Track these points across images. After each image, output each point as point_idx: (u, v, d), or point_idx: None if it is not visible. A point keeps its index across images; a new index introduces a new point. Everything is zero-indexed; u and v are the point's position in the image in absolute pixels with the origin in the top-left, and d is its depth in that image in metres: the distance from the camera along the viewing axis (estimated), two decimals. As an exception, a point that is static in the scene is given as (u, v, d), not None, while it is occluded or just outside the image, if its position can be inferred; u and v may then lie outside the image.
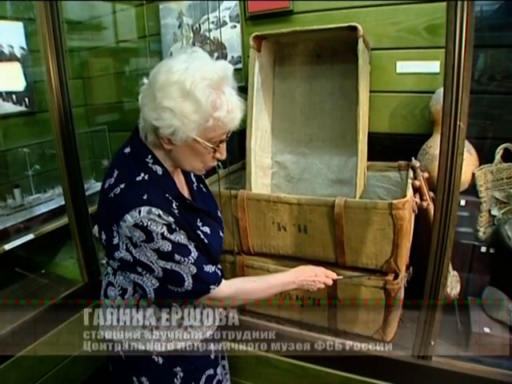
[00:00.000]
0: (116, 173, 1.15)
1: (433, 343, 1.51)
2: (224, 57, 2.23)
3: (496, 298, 1.82)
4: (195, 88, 1.05)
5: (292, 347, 1.79)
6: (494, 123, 1.94)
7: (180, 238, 1.12)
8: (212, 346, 1.42)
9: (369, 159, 1.88)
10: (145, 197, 1.07)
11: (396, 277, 1.64)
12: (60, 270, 2.46)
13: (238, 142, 1.94)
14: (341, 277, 1.53)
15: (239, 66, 2.20)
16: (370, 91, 1.94)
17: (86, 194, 2.12)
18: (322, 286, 1.44)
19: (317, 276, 1.43)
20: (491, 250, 1.87)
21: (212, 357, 1.43)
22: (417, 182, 1.68)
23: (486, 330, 1.71)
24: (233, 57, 2.23)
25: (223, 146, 1.19)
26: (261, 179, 2.00)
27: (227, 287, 1.24)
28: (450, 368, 1.55)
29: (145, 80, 1.14)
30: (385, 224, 1.53)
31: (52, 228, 2.33)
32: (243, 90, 1.88)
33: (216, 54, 2.25)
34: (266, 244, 1.78)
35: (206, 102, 1.06)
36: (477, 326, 1.73)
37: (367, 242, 1.59)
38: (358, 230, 1.58)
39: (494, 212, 1.90)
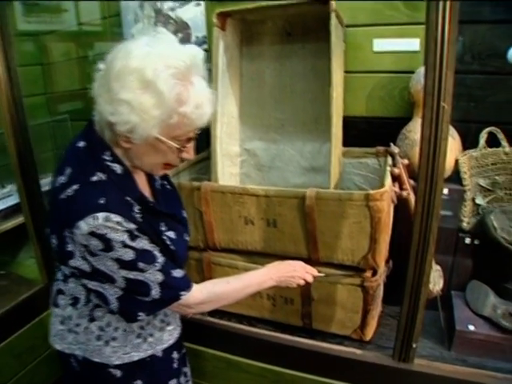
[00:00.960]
0: (68, 170, 1.01)
1: (414, 345, 1.38)
2: (188, 37, 2.06)
3: (481, 292, 1.70)
4: (157, 78, 0.90)
5: (264, 350, 1.66)
6: (478, 106, 1.81)
7: (143, 243, 1.01)
8: (175, 354, 1.32)
9: (345, 145, 1.74)
10: (102, 201, 0.94)
11: (374, 273, 1.51)
12: (21, 270, 2.31)
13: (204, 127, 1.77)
14: (322, 274, 1.40)
15: (205, 46, 2.03)
16: (345, 71, 1.79)
17: (47, 188, 1.95)
18: (302, 282, 1.32)
19: (296, 271, 1.32)
20: (476, 242, 1.74)
21: (175, 366, 1.32)
22: (396, 170, 1.54)
23: (471, 327, 1.59)
24: (197, 37, 2.06)
25: (191, 145, 1.06)
26: (228, 169, 1.85)
27: (199, 292, 1.13)
28: (433, 371, 1.43)
29: (100, 65, 0.98)
30: (361, 217, 1.39)
31: (12, 225, 2.16)
32: (208, 73, 1.74)
33: (180, 35, 2.07)
34: (233, 239, 1.63)
35: (169, 95, 0.91)
36: (461, 324, 1.61)
37: (342, 237, 1.44)
38: (331, 224, 1.44)
39: (479, 201, 1.78)
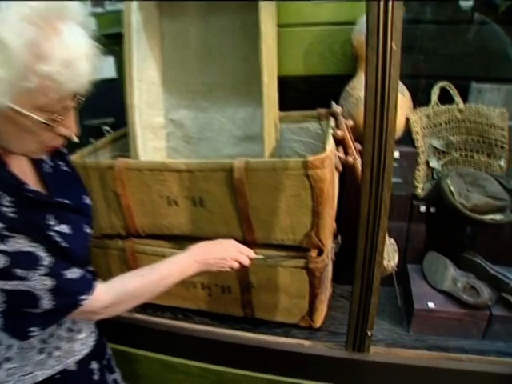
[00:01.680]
0: None
1: (370, 333, 1.20)
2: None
3: (439, 265, 1.54)
4: (1, 22, 0.64)
5: (202, 348, 1.45)
6: (429, 59, 1.62)
7: (20, 244, 0.78)
8: (94, 365, 1.09)
9: (282, 109, 1.54)
10: None
11: (320, 253, 1.32)
12: None
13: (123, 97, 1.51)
14: (260, 256, 1.18)
15: (120, 6, 1.74)
16: (278, 25, 1.56)
17: None
18: (236, 264, 1.12)
19: (227, 251, 1.11)
20: (432, 209, 1.57)
21: (96, 377, 1.09)
22: (339, 132, 1.34)
23: (431, 304, 1.43)
24: (109, -6, 1.77)
25: (70, 117, 0.79)
26: (152, 143, 1.60)
27: (105, 293, 0.92)
28: (392, 360, 1.26)
29: None
30: (300, 188, 1.18)
31: None
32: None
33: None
34: (156, 224, 1.40)
35: (18, 47, 0.65)
36: (419, 301, 1.44)
37: (280, 213, 1.23)
38: (266, 199, 1.22)
39: (433, 164, 1.60)
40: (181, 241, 1.43)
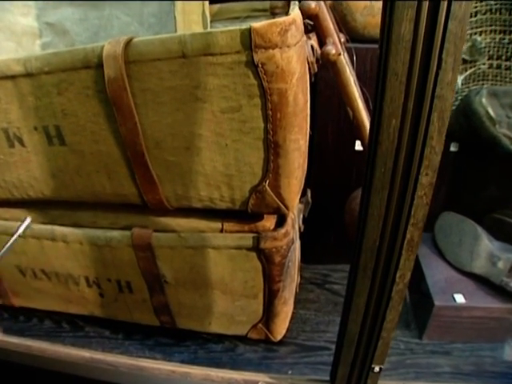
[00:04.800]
0: None
1: (378, 368, 0.63)
2: None
3: (464, 233, 0.99)
4: None
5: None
6: None
7: None
8: None
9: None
10: None
11: (281, 222, 0.73)
12: None
13: None
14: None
15: None
16: None
17: None
18: None
19: None
20: (453, 147, 1.01)
21: None
22: (312, 4, 0.73)
23: (459, 298, 0.88)
24: None
25: None
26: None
27: None
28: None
29: None
30: (239, 95, 0.58)
31: None
32: None
33: None
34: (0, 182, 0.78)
35: None
36: (440, 293, 0.90)
37: (203, 148, 0.63)
38: (174, 120, 0.62)
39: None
40: (46, 209, 0.82)
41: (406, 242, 0.48)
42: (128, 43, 0.58)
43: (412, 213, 0.46)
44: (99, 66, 0.60)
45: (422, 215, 0.47)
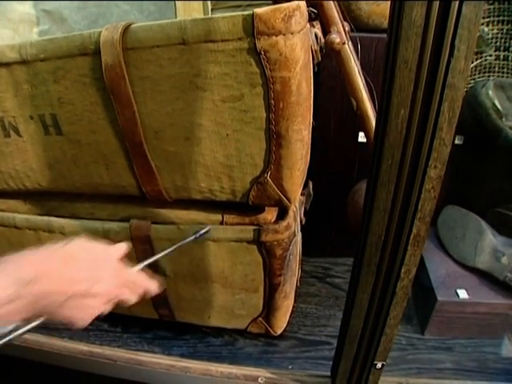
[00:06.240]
0: None
1: (380, 365, 0.62)
2: None
3: (467, 227, 0.98)
4: None
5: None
6: None
7: None
8: None
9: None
10: None
11: (283, 214, 0.72)
12: None
13: None
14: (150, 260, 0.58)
15: None
16: None
17: None
18: (133, 298, 0.51)
19: (99, 273, 0.48)
20: (457, 140, 0.99)
21: None
22: (315, -9, 0.71)
23: (462, 293, 0.87)
24: None
25: None
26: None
27: None
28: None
29: None
30: (241, 83, 0.56)
31: None
32: None
33: None
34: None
35: None
36: (443, 288, 0.89)
37: (203, 139, 0.62)
38: (173, 110, 0.60)
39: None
40: (42, 200, 0.81)
41: (412, 236, 0.47)
42: (126, 29, 0.57)
43: (419, 207, 0.45)
44: (96, 52, 0.58)
45: (429, 209, 0.45)
